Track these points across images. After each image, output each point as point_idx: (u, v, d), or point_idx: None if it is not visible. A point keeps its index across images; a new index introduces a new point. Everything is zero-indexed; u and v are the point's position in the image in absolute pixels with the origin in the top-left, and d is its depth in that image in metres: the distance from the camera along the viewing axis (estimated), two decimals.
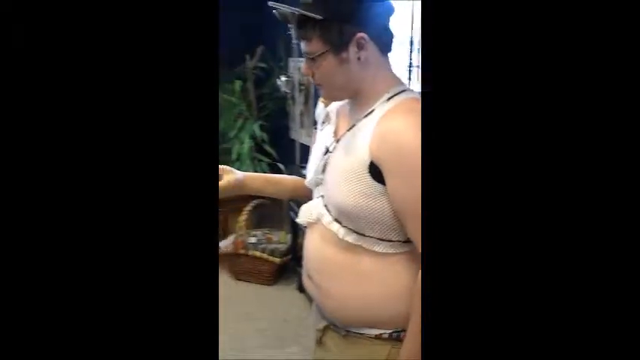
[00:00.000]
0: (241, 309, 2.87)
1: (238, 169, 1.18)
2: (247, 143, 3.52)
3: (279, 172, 3.14)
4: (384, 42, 0.97)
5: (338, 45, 0.92)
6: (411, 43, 2.85)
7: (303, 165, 3.02)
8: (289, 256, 3.10)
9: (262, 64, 3.75)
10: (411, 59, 2.87)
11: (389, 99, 0.95)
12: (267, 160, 3.60)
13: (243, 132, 3.60)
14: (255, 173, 1.30)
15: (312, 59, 0.96)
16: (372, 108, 0.96)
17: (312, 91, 3.44)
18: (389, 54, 0.99)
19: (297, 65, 3.50)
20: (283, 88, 3.40)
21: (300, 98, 3.54)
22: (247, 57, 3.69)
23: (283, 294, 3.02)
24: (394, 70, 1.02)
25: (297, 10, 0.92)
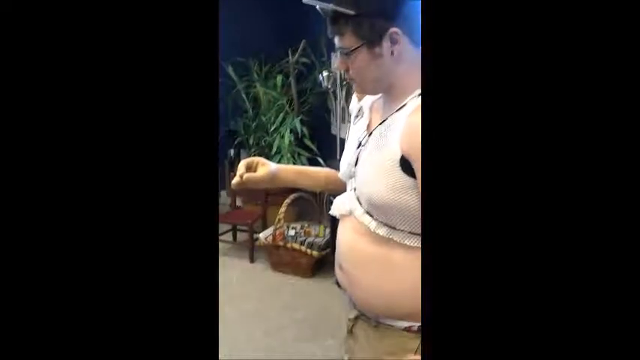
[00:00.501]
0: (279, 300, 2.92)
1: (278, 163, 1.20)
2: (287, 137, 3.56)
3: (319, 166, 3.17)
4: (416, 36, 0.97)
5: (371, 40, 0.93)
6: None
7: None
8: (327, 250, 3.13)
9: (305, 59, 3.79)
10: None
11: (420, 94, 0.95)
12: (307, 154, 3.64)
13: (283, 126, 3.65)
14: (289, 165, 1.32)
15: (347, 54, 0.97)
16: (405, 102, 0.96)
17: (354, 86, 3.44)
18: (420, 48, 1.00)
19: None
20: (325, 84, 3.41)
21: (341, 93, 3.56)
22: (290, 52, 3.74)
23: (320, 287, 3.05)
24: None
25: (330, 6, 0.93)
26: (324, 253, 3.13)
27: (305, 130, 3.62)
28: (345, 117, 3.62)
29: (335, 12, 0.94)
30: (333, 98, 3.54)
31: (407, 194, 0.92)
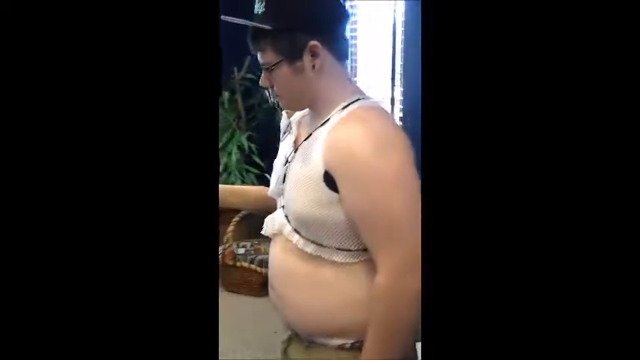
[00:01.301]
0: (229, 321, 2.86)
1: (226, 181, 1.17)
2: (235, 155, 3.52)
3: (268, 183, 3.14)
4: (339, 49, 0.97)
5: (291, 54, 0.92)
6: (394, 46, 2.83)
7: None
8: None
9: (251, 75, 3.76)
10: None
11: (344, 108, 0.95)
12: (256, 171, 3.60)
13: (231, 143, 3.60)
14: (221, 185, 1.30)
15: (268, 70, 0.96)
16: (328, 117, 0.96)
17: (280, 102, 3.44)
18: (345, 61, 1.00)
19: None
20: (271, 99, 3.39)
21: None
22: (235, 68, 3.71)
23: (271, 306, 3.00)
24: (352, 79, 1.03)
25: (247, 23, 0.92)
26: None
27: (253, 146, 3.58)
28: None
29: (254, 28, 0.93)
30: (280, 113, 3.52)
31: (331, 209, 0.91)
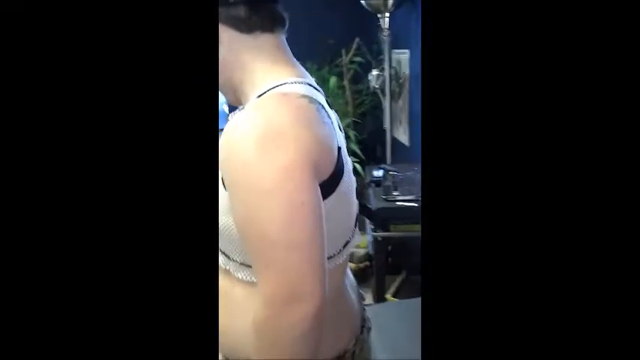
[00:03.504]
0: None
1: None
2: None
3: (361, 172, 2.96)
4: (248, 21, 0.76)
5: None
6: None
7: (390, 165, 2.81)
8: (367, 262, 2.91)
9: (359, 59, 3.59)
10: None
11: (259, 96, 0.75)
12: (355, 159, 3.43)
13: None
14: None
15: None
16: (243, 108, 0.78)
17: (408, 86, 3.19)
18: (276, 34, 0.79)
19: (398, 58, 3.27)
20: (373, 83, 3.20)
21: (395, 93, 3.31)
22: (343, 51, 3.57)
23: None
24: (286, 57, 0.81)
25: None
26: (362, 265, 2.91)
27: (351, 134, 3.41)
28: (397, 118, 3.37)
29: None
30: (383, 98, 3.30)
31: (230, 218, 0.73)
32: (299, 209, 0.65)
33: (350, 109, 3.60)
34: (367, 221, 2.85)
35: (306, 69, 0.85)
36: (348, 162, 0.82)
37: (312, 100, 0.74)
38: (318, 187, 0.69)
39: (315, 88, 0.80)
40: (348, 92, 3.61)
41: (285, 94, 0.73)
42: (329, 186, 0.73)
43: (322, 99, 0.80)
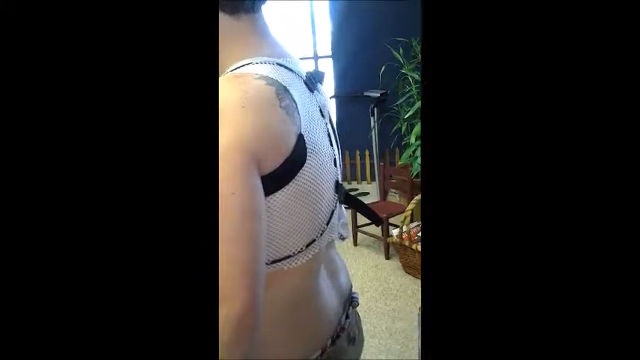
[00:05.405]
0: (401, 303, 2.79)
1: None
2: (414, 135, 3.37)
3: None
4: (231, 3, 0.73)
5: None
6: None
7: None
8: None
9: None
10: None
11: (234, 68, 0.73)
12: None
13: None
14: None
15: None
16: None
17: None
18: (256, 14, 0.75)
19: None
20: None
21: None
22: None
23: None
24: (261, 35, 0.76)
25: None
26: None
27: None
28: None
29: None
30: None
31: None
32: (227, 199, 0.60)
33: None
34: None
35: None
36: (323, 151, 0.74)
37: (271, 81, 0.68)
38: (256, 177, 0.63)
39: (289, 68, 0.74)
40: None
41: (238, 76, 0.68)
42: (281, 177, 0.67)
43: (294, 80, 0.74)
